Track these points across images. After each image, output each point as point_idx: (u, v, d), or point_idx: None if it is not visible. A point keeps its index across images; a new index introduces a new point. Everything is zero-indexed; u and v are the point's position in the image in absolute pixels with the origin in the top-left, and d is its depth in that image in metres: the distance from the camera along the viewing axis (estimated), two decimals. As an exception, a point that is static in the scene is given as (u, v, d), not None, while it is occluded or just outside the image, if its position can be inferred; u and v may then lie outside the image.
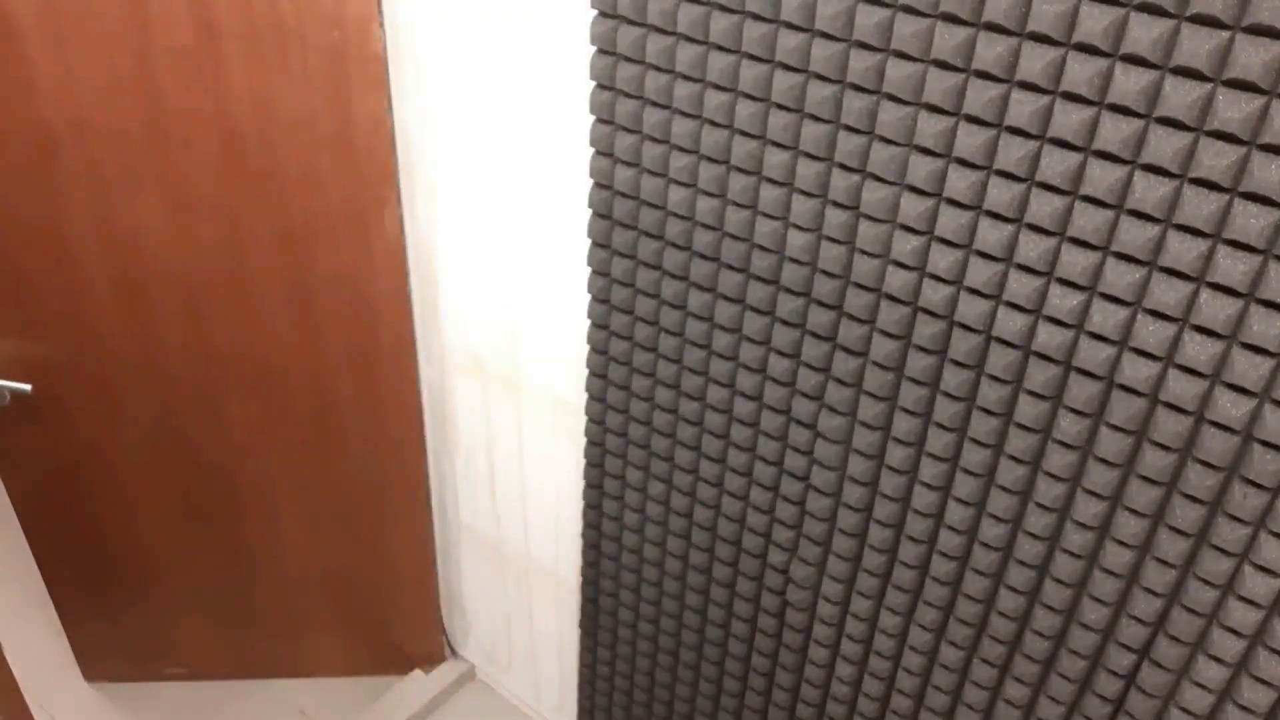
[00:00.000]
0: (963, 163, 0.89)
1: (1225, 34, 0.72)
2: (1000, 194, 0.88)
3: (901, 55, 0.89)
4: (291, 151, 1.42)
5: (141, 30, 1.26)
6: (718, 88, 1.03)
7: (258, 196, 1.45)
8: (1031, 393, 0.95)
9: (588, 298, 1.30)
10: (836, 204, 1.00)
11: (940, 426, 1.03)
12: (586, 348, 1.35)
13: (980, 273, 0.92)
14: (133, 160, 1.36)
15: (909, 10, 0.87)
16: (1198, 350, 0.83)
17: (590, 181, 1.21)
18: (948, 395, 1.01)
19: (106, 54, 1.26)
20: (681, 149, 1.09)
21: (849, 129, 0.95)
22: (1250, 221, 0.76)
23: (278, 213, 1.48)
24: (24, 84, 1.26)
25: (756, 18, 0.97)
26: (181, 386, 1.61)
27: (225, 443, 1.69)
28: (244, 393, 1.64)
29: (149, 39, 1.27)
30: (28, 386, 1.56)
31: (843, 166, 0.97)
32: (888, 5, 0.88)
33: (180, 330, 1.55)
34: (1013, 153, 0.85)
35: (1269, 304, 0.79)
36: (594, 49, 1.11)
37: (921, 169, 0.92)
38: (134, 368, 1.59)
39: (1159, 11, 0.75)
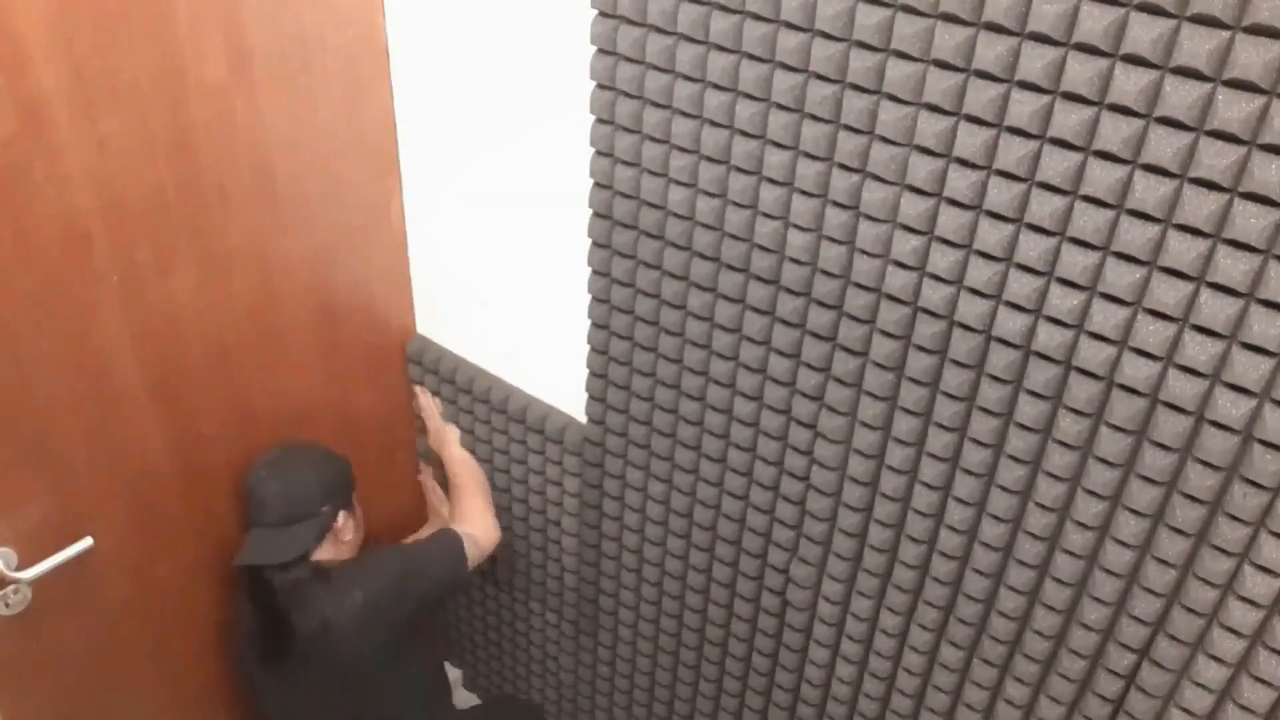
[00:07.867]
0: (963, 163, 0.89)
1: (1225, 34, 0.72)
2: (1000, 194, 0.88)
3: (901, 55, 0.89)
4: (315, 168, 1.40)
5: (177, 76, 1.19)
6: (718, 88, 1.03)
7: (286, 227, 1.40)
8: (1031, 393, 0.95)
9: (588, 298, 1.30)
10: (836, 204, 1.00)
11: (940, 426, 1.03)
12: (586, 348, 1.35)
13: (980, 273, 0.92)
14: (167, 231, 1.27)
15: (909, 10, 0.87)
16: (1198, 350, 0.83)
17: (590, 181, 1.21)
18: (948, 395, 1.01)
19: (140, 115, 1.18)
20: (681, 149, 1.09)
21: (849, 129, 0.95)
22: (1250, 221, 0.76)
23: (305, 238, 1.44)
24: (56, 176, 1.14)
25: (756, 18, 0.97)
26: (215, 451, 1.48)
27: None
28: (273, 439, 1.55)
29: (184, 84, 1.21)
30: (89, 540, 1.33)
31: (843, 166, 0.97)
32: (888, 5, 0.88)
33: (214, 394, 1.43)
34: (1013, 153, 0.85)
35: (1269, 304, 0.79)
36: (594, 49, 1.11)
37: (921, 169, 0.92)
38: (181, 483, 1.44)
39: (1159, 11, 0.75)
